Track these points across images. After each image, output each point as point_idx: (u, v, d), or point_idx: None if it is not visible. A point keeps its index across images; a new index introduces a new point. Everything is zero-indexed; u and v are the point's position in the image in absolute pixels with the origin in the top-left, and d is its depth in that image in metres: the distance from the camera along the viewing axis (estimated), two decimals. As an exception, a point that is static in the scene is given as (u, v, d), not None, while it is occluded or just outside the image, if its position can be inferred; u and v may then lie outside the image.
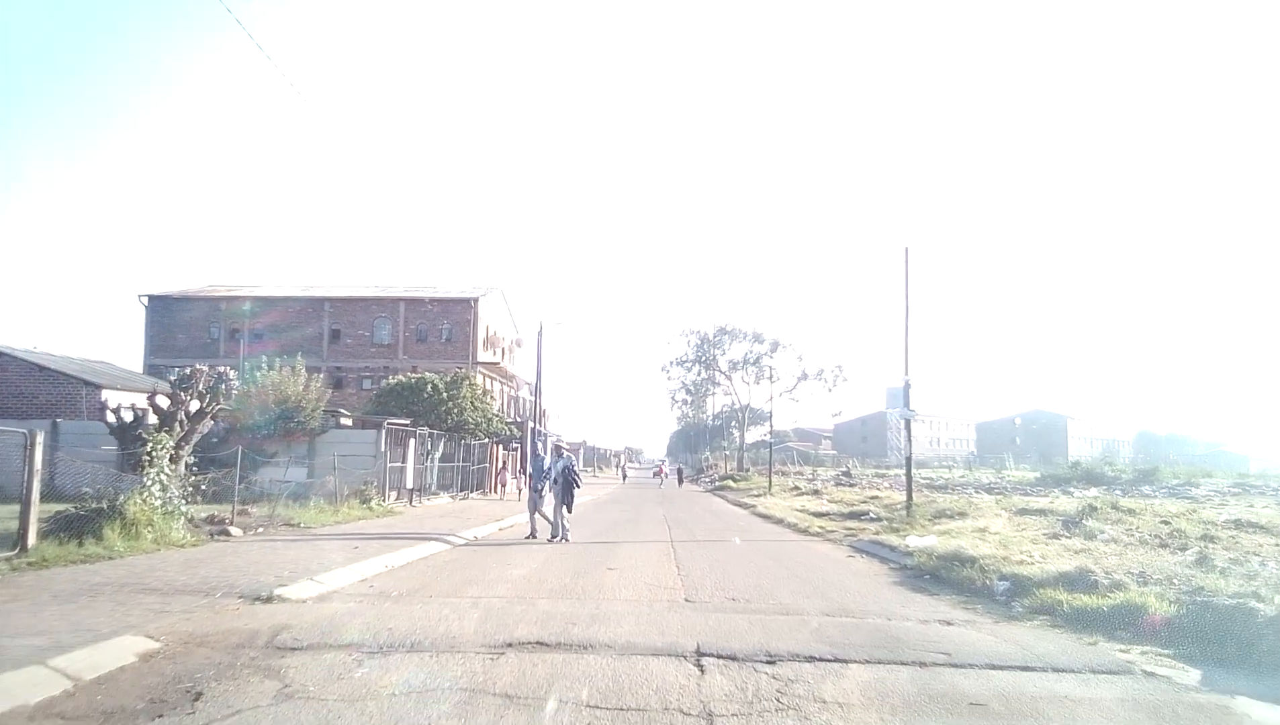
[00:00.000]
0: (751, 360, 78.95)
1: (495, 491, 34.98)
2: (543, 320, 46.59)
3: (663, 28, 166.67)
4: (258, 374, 21.26)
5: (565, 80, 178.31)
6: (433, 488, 29.13)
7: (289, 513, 16.72)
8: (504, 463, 40.19)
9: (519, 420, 49.50)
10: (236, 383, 14.26)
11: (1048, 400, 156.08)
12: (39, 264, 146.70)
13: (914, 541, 15.21)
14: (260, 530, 14.44)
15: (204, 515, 14.85)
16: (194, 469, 14.73)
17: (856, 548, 16.43)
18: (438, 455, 30.24)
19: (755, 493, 42.41)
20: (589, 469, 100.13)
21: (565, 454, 16.28)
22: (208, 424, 14.61)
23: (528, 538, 15.54)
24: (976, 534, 16.45)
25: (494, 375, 50.36)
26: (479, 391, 29.42)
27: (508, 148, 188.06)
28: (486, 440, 33.47)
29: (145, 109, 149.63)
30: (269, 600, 8.08)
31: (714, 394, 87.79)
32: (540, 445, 17.47)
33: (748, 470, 71.04)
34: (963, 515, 22.17)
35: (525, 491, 16.02)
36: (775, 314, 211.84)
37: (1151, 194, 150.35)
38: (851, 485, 48.59)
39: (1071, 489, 41.24)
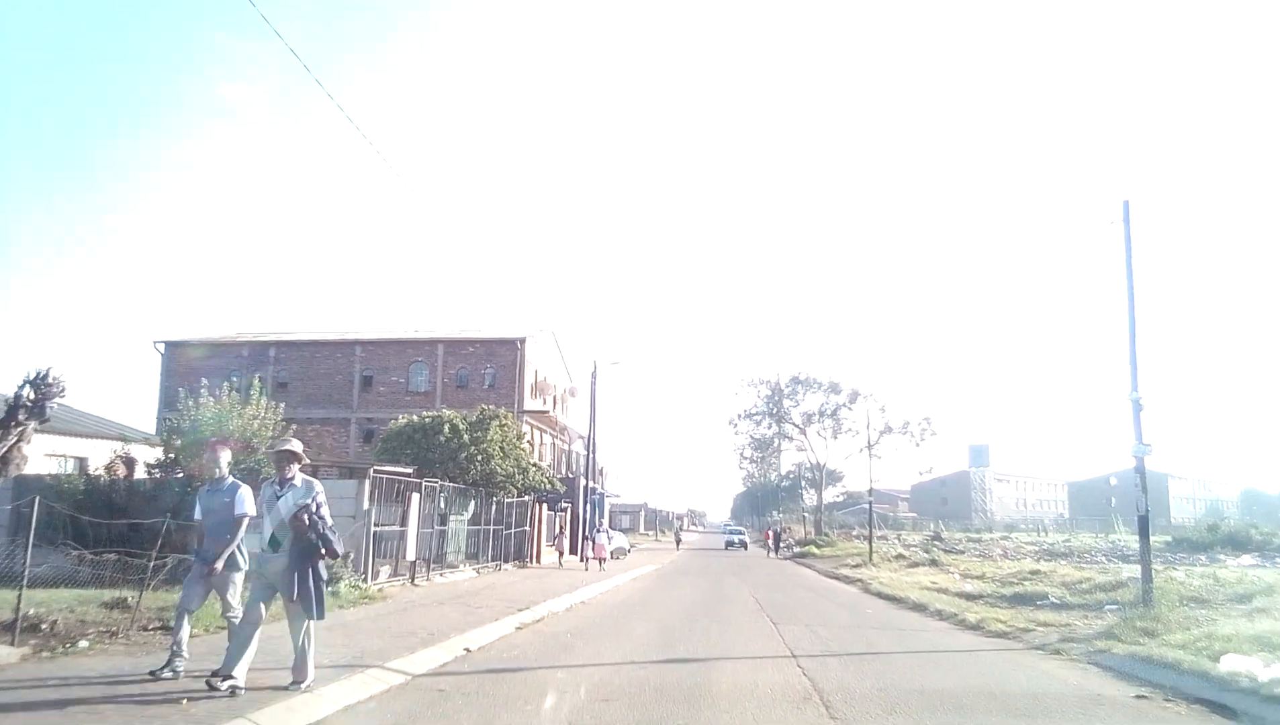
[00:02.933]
0: (828, 412, 71.49)
1: (534, 562, 28.59)
2: (597, 360, 40.89)
3: (723, 58, 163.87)
4: (189, 403, 15.55)
5: (618, 114, 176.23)
6: (455, 557, 22.91)
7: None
8: (561, 528, 34.11)
9: (570, 477, 43.29)
10: (62, 388, 8.25)
11: (1146, 458, 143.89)
12: (57, 313, 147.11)
13: (1254, 668, 8.32)
14: (79, 646, 8.30)
15: (21, 615, 8.82)
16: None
17: (1115, 670, 9.62)
18: (465, 517, 24.07)
19: (851, 562, 35.09)
20: (649, 533, 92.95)
21: (299, 479, 6.83)
22: (23, 458, 8.66)
23: (154, 673, 6.63)
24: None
25: (543, 426, 44.37)
26: (511, 434, 23.28)
27: (557, 185, 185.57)
28: (526, 498, 27.22)
29: (167, 147, 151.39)
30: None
31: (783, 450, 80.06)
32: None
33: (826, 534, 63.46)
34: (1204, 603, 15.00)
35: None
36: (849, 364, 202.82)
37: (1234, 232, 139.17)
38: (959, 552, 40.91)
39: (1220, 556, 34.17)
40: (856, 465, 72.93)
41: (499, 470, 22.02)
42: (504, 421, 23.01)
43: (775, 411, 73.68)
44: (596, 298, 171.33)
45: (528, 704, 6.91)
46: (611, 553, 33.95)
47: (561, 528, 34.47)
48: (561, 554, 32.59)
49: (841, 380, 71.95)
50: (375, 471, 16.33)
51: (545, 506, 31.60)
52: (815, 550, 48.67)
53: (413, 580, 17.72)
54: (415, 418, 22.43)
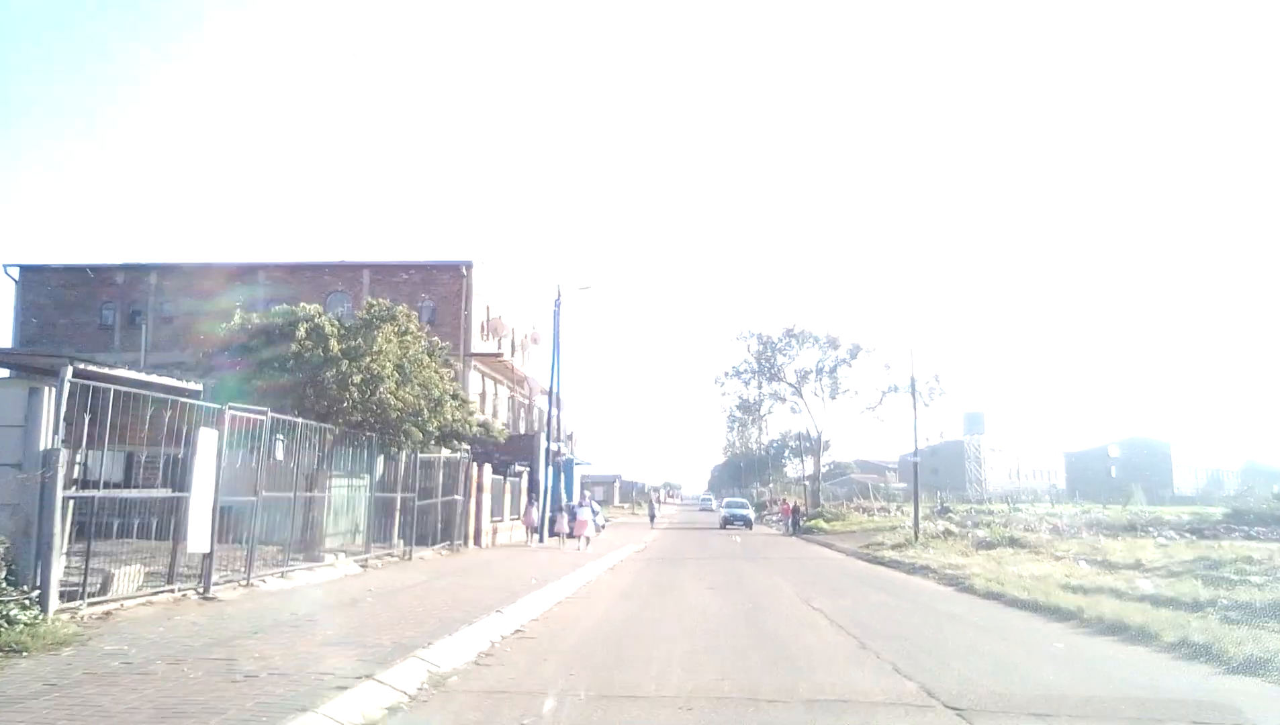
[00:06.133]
0: (826, 369, 63.48)
1: (470, 543, 20.31)
2: (561, 286, 32.38)
3: None
4: None
5: (597, 31, 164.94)
6: (346, 540, 14.67)
7: None
8: (533, 499, 26.13)
9: (528, 434, 35.03)
10: None
11: (1146, 427, 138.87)
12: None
13: None
14: None
15: None
16: None
17: None
18: (364, 482, 15.70)
19: (887, 541, 27.05)
20: (624, 506, 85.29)
21: None
22: None
23: None
24: None
25: (497, 374, 36.03)
26: (416, 347, 14.55)
27: (527, 116, 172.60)
28: (459, 453, 18.90)
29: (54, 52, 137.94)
30: None
31: (774, 413, 72.23)
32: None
33: (822, 507, 55.83)
34: None
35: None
36: (843, 325, 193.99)
37: (1254, 199, 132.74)
38: (1001, 524, 33.34)
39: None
40: (854, 431, 65.86)
41: (392, 401, 13.47)
42: (404, 326, 14.35)
43: (767, 369, 65.71)
44: (565, 240, 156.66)
45: None
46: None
47: (533, 499, 26.49)
48: (532, 532, 25.00)
49: (840, 335, 64.06)
50: (79, 373, 7.84)
51: (489, 468, 23.15)
52: (825, 525, 40.81)
53: (204, 591, 9.37)
54: (257, 317, 13.85)
